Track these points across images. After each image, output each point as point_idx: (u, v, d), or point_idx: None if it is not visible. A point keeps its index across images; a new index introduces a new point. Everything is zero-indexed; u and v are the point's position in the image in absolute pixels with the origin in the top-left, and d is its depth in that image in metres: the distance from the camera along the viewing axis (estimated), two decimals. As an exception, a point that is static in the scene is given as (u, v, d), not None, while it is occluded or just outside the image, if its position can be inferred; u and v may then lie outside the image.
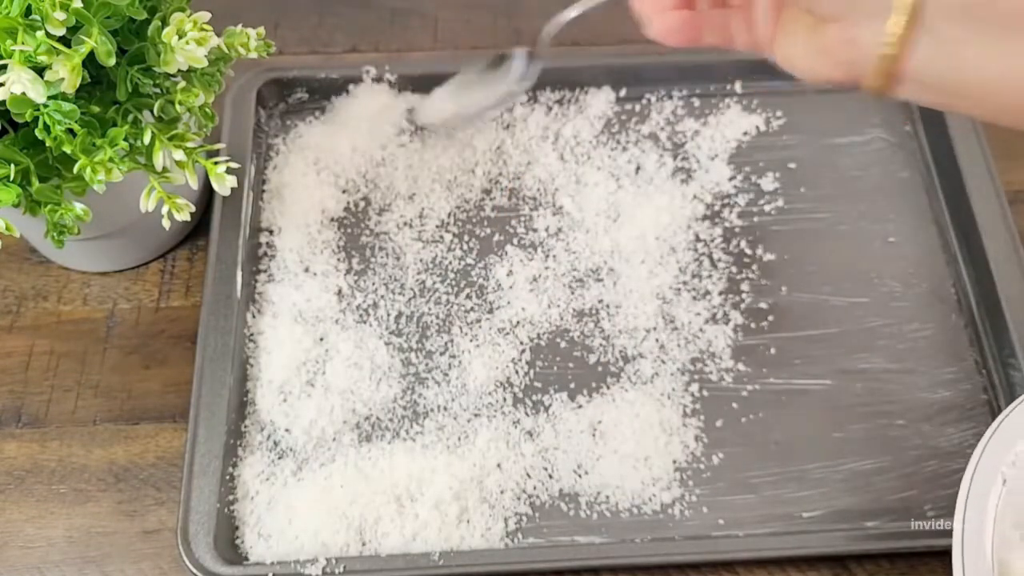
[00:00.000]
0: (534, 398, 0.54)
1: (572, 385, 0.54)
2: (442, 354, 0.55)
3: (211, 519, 0.49)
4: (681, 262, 0.58)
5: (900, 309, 0.56)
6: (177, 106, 0.48)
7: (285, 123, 0.64)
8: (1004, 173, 0.59)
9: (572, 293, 0.57)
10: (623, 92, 0.64)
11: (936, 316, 0.56)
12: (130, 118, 0.47)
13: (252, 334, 0.56)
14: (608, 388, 0.54)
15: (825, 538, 0.49)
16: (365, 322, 0.56)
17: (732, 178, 0.61)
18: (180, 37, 0.45)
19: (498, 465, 0.51)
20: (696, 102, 0.64)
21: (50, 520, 0.51)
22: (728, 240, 0.59)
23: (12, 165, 0.45)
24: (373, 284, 0.58)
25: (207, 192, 0.60)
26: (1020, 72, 0.33)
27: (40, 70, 0.42)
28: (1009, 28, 0.32)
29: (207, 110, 0.50)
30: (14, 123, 0.47)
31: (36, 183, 0.46)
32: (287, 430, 0.53)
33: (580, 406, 0.53)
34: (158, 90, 0.48)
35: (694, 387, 0.54)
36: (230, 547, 0.49)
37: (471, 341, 0.55)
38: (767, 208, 0.60)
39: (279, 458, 0.52)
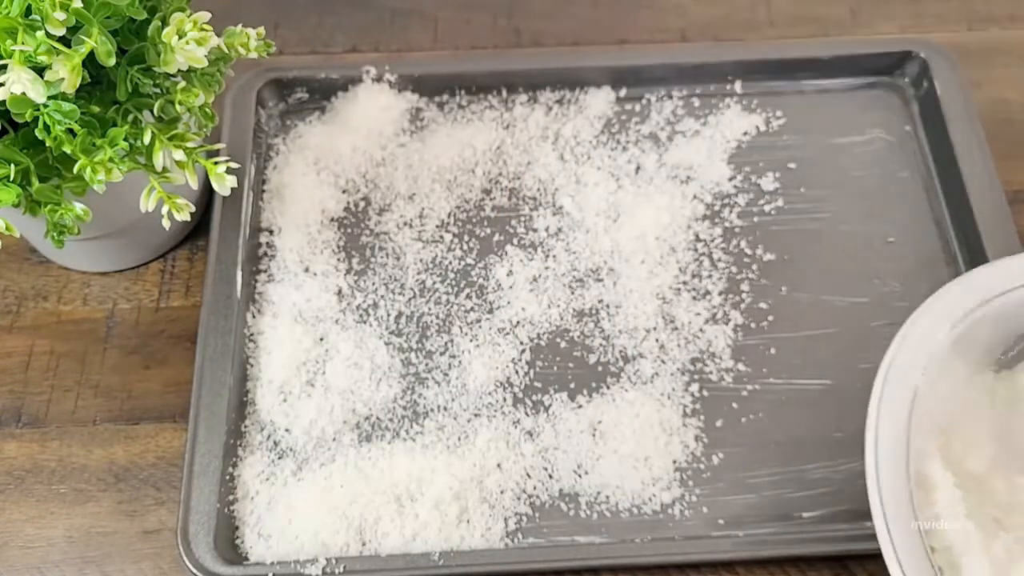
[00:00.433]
0: (534, 398, 0.54)
1: (572, 385, 0.54)
2: (442, 354, 0.55)
3: (211, 519, 0.49)
4: (681, 262, 0.58)
5: (900, 309, 0.56)
6: (177, 106, 0.48)
7: (285, 123, 0.64)
8: (1004, 173, 0.59)
9: (572, 293, 0.57)
10: (623, 92, 0.64)
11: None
12: (130, 118, 0.47)
13: (252, 334, 0.56)
14: (608, 388, 0.54)
15: (825, 538, 0.49)
16: (365, 322, 0.56)
17: (732, 178, 0.61)
18: (180, 37, 0.45)
19: (498, 465, 0.51)
20: (696, 102, 0.64)
21: (50, 520, 0.51)
22: (728, 240, 0.59)
23: (12, 165, 0.45)
24: (373, 284, 0.58)
25: (207, 192, 0.60)
26: None
27: (40, 70, 0.42)
28: None
29: (207, 110, 0.50)
30: (14, 123, 0.47)
31: (36, 183, 0.46)
32: (287, 430, 0.53)
33: (580, 406, 0.53)
34: (158, 90, 0.48)
35: (694, 387, 0.54)
36: (230, 547, 0.49)
37: (471, 341, 0.55)
38: (767, 208, 0.60)
39: (279, 458, 0.52)
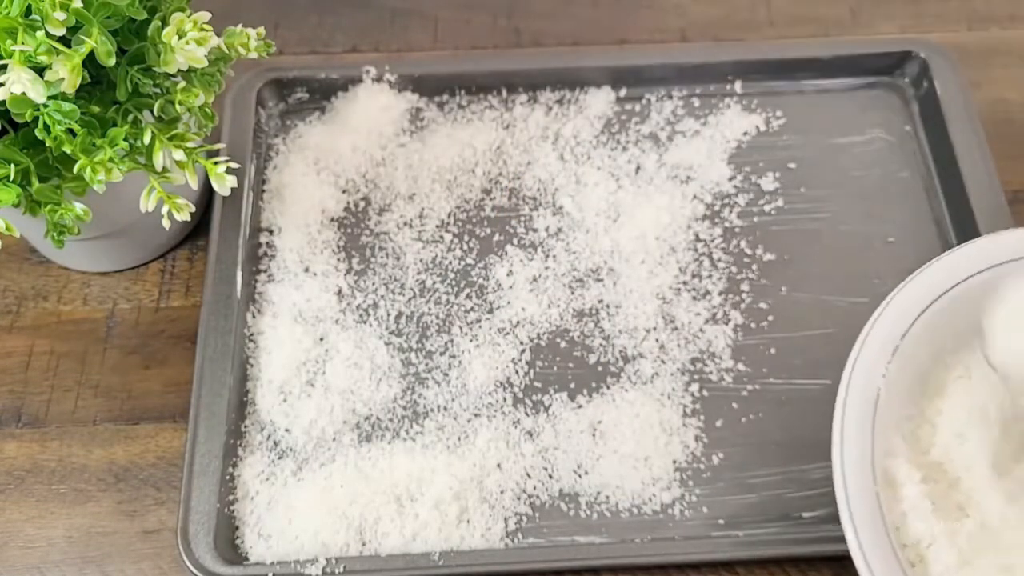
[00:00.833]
0: (534, 398, 0.54)
1: (572, 385, 0.54)
2: (442, 354, 0.55)
3: (211, 519, 0.49)
4: (681, 262, 0.58)
5: (900, 309, 0.56)
6: (177, 106, 0.48)
7: (285, 123, 0.64)
8: (1004, 173, 0.59)
9: (572, 293, 0.57)
10: (623, 92, 0.64)
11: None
12: (130, 118, 0.47)
13: (252, 334, 0.56)
14: (608, 388, 0.54)
15: (825, 538, 0.49)
16: (365, 322, 0.56)
17: (732, 178, 0.61)
18: (180, 37, 0.45)
19: (498, 465, 0.51)
20: (696, 102, 0.64)
21: (50, 520, 0.51)
22: (728, 240, 0.59)
23: (12, 165, 0.45)
24: (373, 284, 0.58)
25: (207, 192, 0.60)
26: None
27: (40, 70, 0.42)
28: None
29: (207, 110, 0.50)
30: (14, 123, 0.47)
31: (36, 183, 0.46)
32: (287, 430, 0.53)
33: (580, 406, 0.53)
34: (158, 90, 0.48)
35: (694, 387, 0.54)
36: (230, 547, 0.49)
37: (471, 341, 0.55)
38: (767, 208, 0.60)
39: (279, 458, 0.52)
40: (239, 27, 0.50)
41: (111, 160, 0.45)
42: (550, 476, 0.51)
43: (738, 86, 0.64)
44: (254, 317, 0.56)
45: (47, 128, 0.44)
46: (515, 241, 0.59)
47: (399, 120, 0.63)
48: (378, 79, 0.63)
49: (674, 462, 0.52)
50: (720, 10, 0.70)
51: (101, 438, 0.54)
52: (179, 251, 0.60)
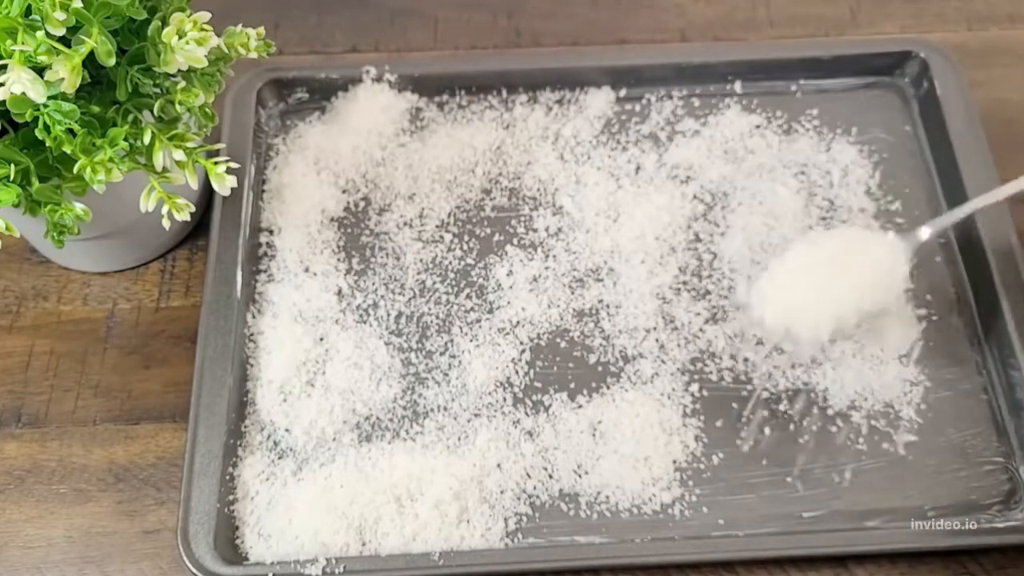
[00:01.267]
0: (534, 398, 0.54)
1: (572, 385, 0.54)
2: (442, 354, 0.55)
3: (211, 519, 0.49)
4: (681, 262, 0.58)
5: (900, 309, 0.56)
6: (177, 106, 0.48)
7: (285, 123, 0.64)
8: (1004, 173, 0.59)
9: (572, 293, 0.57)
10: (623, 92, 0.64)
11: (936, 316, 0.56)
12: (130, 118, 0.47)
13: (252, 334, 0.56)
14: (608, 388, 0.54)
15: (825, 538, 0.49)
16: (365, 322, 0.56)
17: (732, 178, 0.61)
18: (180, 37, 0.45)
19: (498, 465, 0.51)
20: (696, 102, 0.64)
21: (50, 520, 0.51)
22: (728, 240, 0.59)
23: (12, 165, 0.45)
24: (373, 284, 0.58)
25: (207, 192, 0.60)
26: None
27: (40, 70, 0.42)
28: None
29: (207, 110, 0.50)
30: (14, 123, 0.47)
31: (36, 183, 0.46)
32: (287, 430, 0.53)
33: (580, 406, 0.53)
34: (158, 90, 0.48)
35: (694, 387, 0.54)
36: (230, 547, 0.49)
37: (471, 341, 0.55)
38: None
39: (279, 458, 0.52)
40: (239, 27, 0.50)
41: (111, 160, 0.45)
42: (550, 476, 0.51)
43: (738, 86, 0.64)
44: (254, 317, 0.56)
45: (47, 128, 0.44)
46: (515, 241, 0.59)
47: (399, 120, 0.63)
48: (378, 79, 0.63)
49: (674, 462, 0.52)
50: (720, 10, 0.70)
51: (101, 438, 0.54)
52: (179, 251, 0.60)
